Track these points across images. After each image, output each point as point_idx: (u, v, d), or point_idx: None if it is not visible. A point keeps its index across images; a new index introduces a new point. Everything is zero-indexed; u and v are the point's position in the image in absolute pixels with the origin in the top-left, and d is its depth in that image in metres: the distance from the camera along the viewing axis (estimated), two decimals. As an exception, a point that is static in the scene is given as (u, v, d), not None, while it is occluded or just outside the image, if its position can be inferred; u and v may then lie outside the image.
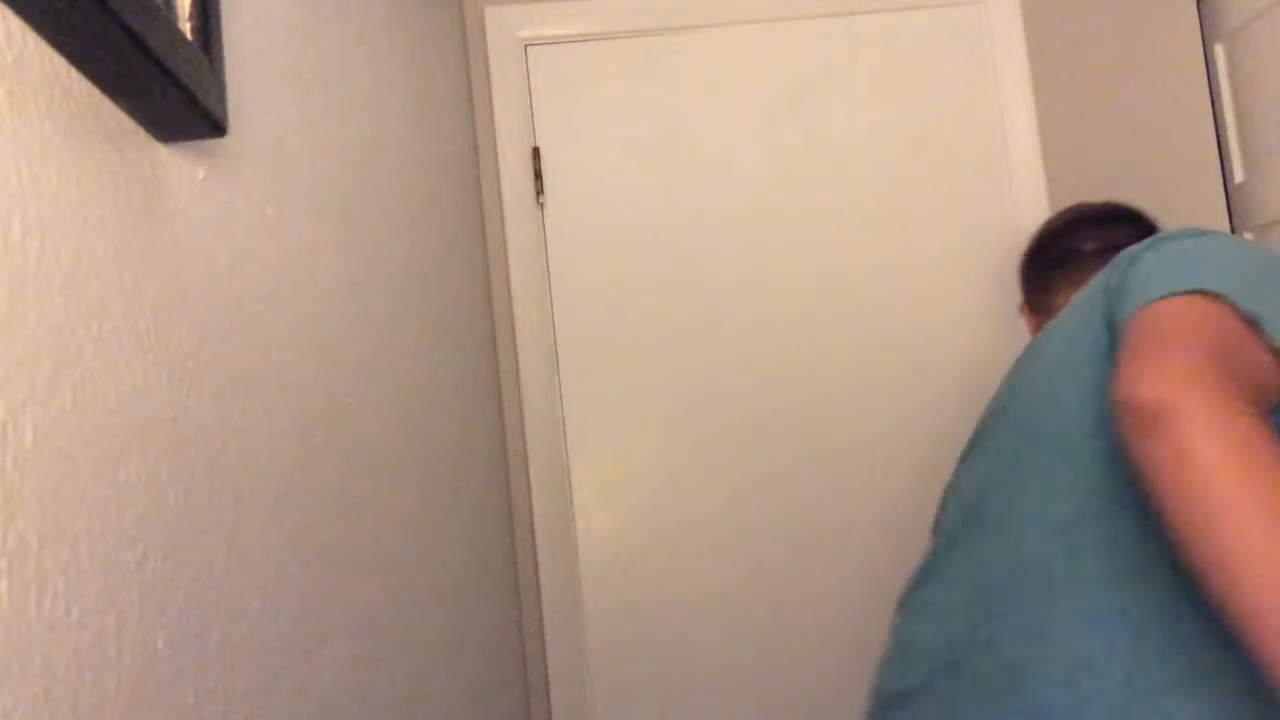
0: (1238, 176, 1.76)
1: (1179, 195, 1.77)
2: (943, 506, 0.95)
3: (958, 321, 1.75)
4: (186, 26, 0.55)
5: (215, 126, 0.58)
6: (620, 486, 1.72)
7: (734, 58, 1.79)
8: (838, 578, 1.71)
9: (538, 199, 1.76)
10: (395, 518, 0.98)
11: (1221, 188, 1.78)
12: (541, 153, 1.76)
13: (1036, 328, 1.26)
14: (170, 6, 0.54)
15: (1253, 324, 0.68)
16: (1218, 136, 1.79)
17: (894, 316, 1.75)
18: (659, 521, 1.71)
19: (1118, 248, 1.11)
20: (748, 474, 1.72)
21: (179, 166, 0.60)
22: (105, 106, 0.51)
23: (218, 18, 0.59)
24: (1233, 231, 1.76)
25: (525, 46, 1.78)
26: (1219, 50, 1.78)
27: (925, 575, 0.90)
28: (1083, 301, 0.84)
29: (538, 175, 1.76)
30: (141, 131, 0.55)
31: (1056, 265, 1.23)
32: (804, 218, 1.76)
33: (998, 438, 0.88)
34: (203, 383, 0.60)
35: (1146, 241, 0.80)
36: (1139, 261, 0.78)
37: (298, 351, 0.77)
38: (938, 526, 0.95)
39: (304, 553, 0.73)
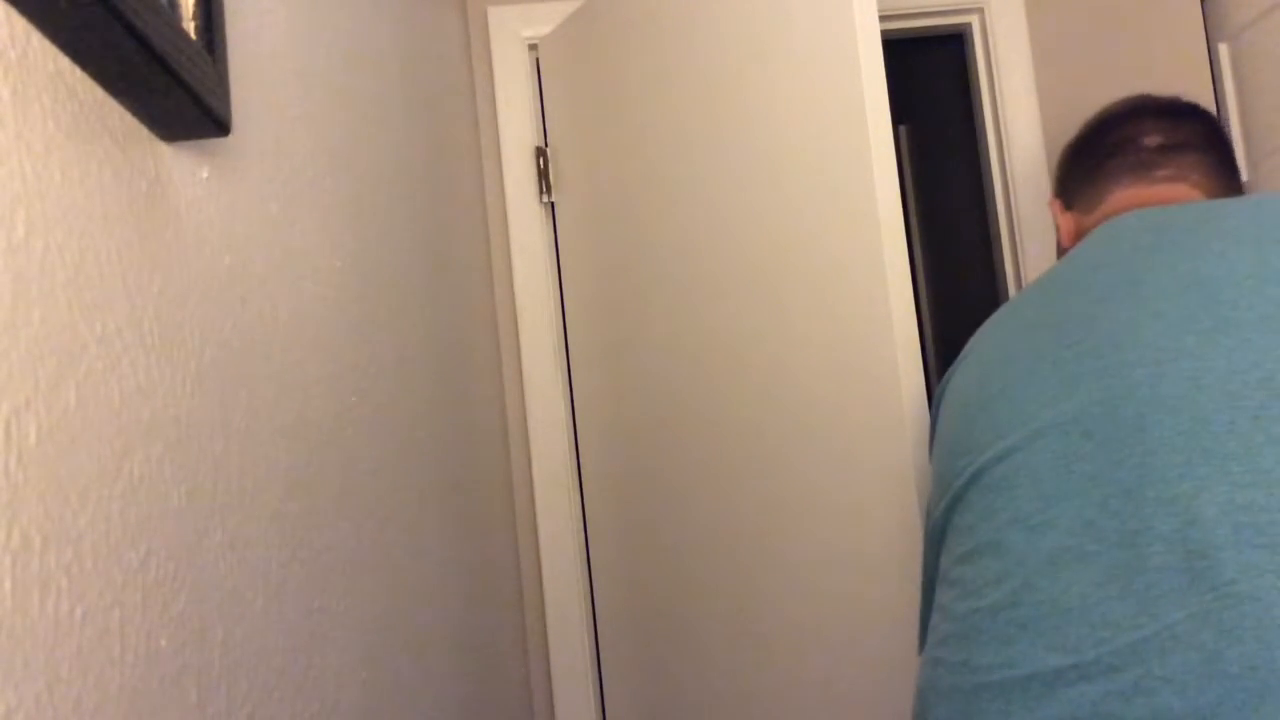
0: (1242, 175, 1.75)
1: (1183, 195, 1.77)
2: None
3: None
4: (190, 25, 0.55)
5: (219, 125, 0.58)
6: (628, 485, 1.72)
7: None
8: (849, 573, 1.71)
9: (542, 198, 1.75)
10: (398, 517, 0.98)
11: (1226, 187, 1.78)
12: (549, 152, 1.76)
13: (1074, 226, 1.10)
14: (174, 6, 0.54)
15: None
16: (1222, 136, 1.79)
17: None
18: (668, 520, 1.71)
19: (1183, 146, 1.04)
20: (760, 471, 1.72)
21: (182, 165, 0.60)
22: (109, 106, 0.51)
23: (221, 17, 0.59)
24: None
25: (529, 46, 1.79)
26: (1223, 50, 1.77)
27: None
28: None
29: (543, 174, 1.76)
30: (145, 130, 0.55)
31: (1109, 156, 1.08)
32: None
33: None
34: (206, 382, 0.60)
35: None
36: None
37: (301, 351, 0.77)
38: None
39: (307, 552, 0.73)
